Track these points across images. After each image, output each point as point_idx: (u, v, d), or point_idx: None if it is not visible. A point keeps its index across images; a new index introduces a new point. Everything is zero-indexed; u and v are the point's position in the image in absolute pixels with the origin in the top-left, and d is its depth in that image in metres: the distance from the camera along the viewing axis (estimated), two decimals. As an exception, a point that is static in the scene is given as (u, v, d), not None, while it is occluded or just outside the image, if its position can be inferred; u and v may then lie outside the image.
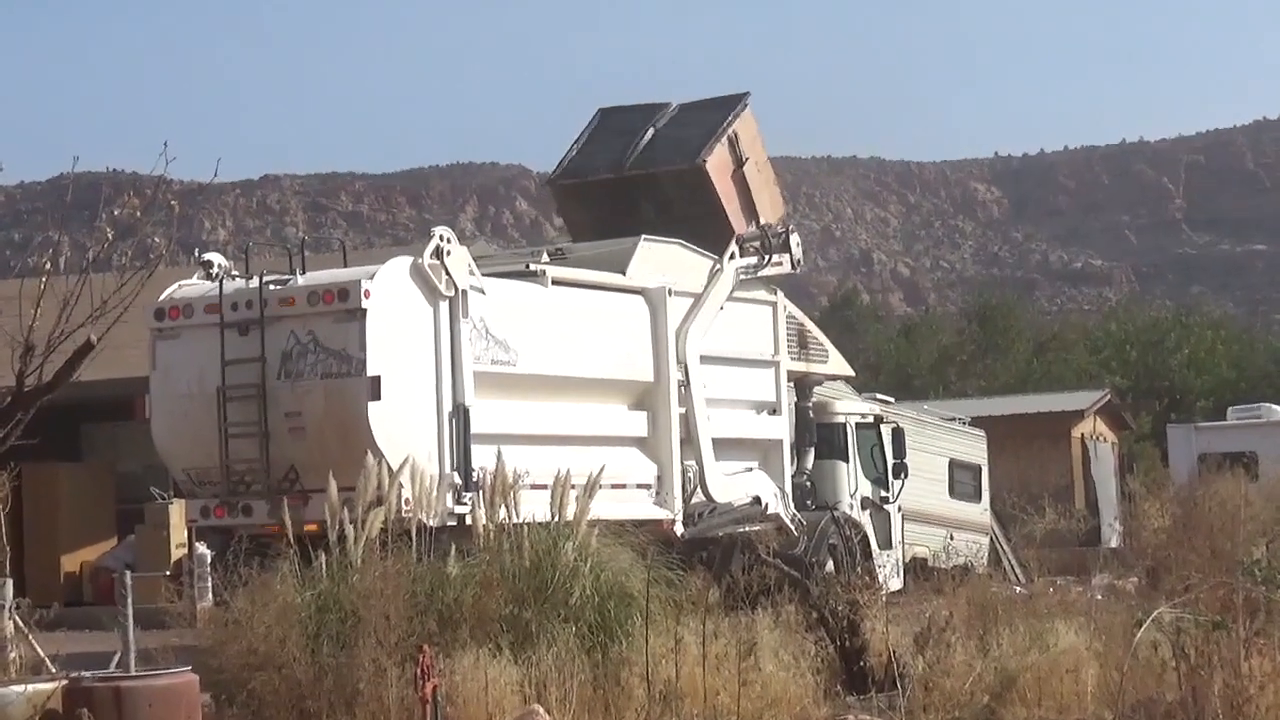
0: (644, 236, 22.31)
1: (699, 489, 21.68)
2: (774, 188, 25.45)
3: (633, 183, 24.35)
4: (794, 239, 23.97)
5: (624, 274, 21.44)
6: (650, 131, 24.57)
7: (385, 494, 15.51)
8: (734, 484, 22.40)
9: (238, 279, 18.82)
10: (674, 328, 21.55)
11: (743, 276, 23.04)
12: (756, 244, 23.36)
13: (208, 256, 19.32)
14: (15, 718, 12.74)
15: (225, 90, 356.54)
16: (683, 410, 21.56)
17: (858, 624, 15.94)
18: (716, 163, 24.03)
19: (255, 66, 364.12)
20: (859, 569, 21.06)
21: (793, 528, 23.14)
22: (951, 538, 29.01)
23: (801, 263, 24.42)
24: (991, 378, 66.57)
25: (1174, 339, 67.78)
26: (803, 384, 24.82)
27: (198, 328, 18.68)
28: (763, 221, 23.97)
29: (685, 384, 21.66)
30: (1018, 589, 18.55)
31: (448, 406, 18.40)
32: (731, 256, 22.85)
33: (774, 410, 23.56)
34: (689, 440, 21.58)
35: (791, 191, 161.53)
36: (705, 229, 23.30)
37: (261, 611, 14.40)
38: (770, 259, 23.48)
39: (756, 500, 22.59)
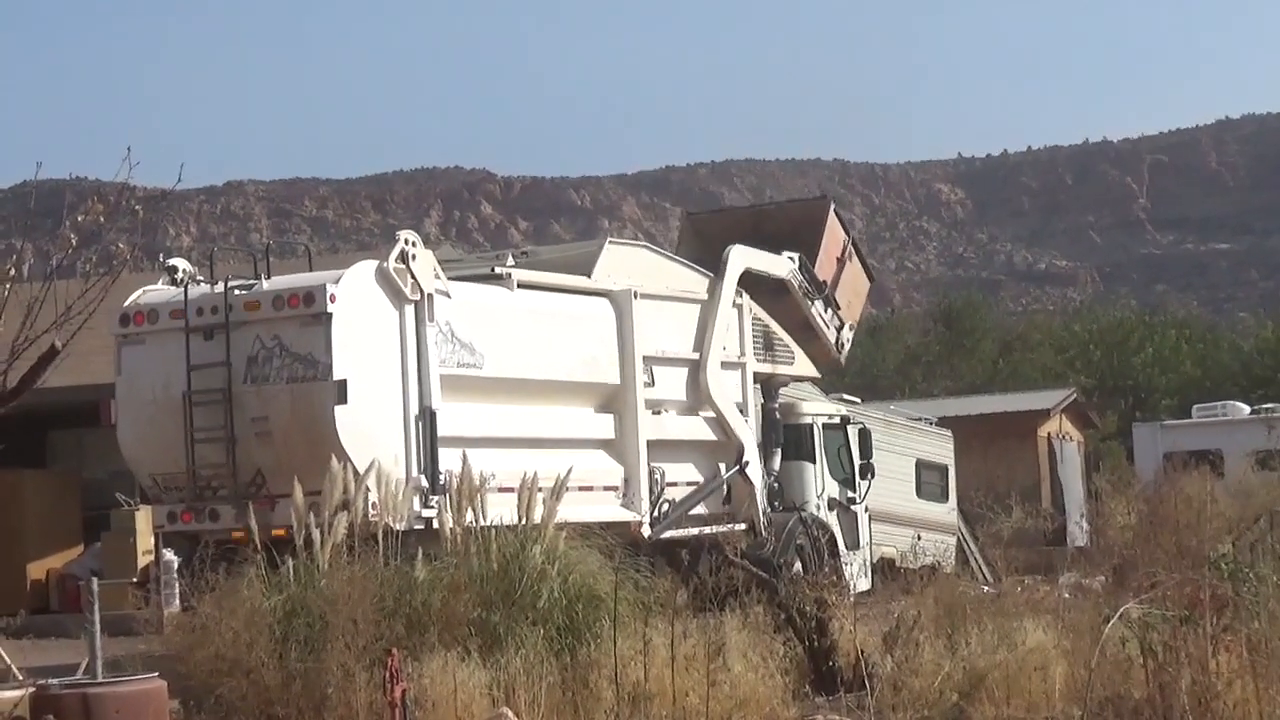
0: (610, 239, 22.30)
1: (692, 384, 22.57)
2: (853, 322, 27.60)
3: (761, 213, 27.58)
4: (848, 334, 26.85)
5: (589, 277, 21.41)
6: None
7: (352, 498, 15.49)
8: (730, 402, 23.07)
9: (202, 284, 18.72)
10: (640, 329, 21.52)
11: (791, 277, 25.13)
12: (808, 281, 25.49)
13: (172, 262, 19.22)
14: (-19, 726, 12.69)
15: (189, 96, 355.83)
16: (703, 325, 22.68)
17: (826, 624, 15.97)
18: (833, 228, 26.69)
19: (219, 72, 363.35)
20: (827, 569, 21.08)
21: (761, 527, 23.16)
22: (919, 538, 28.99)
23: (846, 348, 26.99)
24: (957, 378, 66.60)
25: (1138, 338, 67.99)
26: (769, 385, 24.84)
27: (163, 333, 18.59)
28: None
29: (719, 277, 23.06)
30: (985, 588, 18.57)
31: (414, 410, 18.34)
32: (791, 260, 25.06)
33: (741, 412, 23.55)
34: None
35: (755, 195, 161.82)
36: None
37: (229, 617, 14.38)
38: (815, 302, 25.67)
39: (739, 454, 23.02)
